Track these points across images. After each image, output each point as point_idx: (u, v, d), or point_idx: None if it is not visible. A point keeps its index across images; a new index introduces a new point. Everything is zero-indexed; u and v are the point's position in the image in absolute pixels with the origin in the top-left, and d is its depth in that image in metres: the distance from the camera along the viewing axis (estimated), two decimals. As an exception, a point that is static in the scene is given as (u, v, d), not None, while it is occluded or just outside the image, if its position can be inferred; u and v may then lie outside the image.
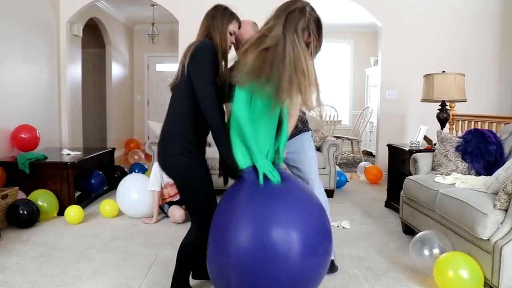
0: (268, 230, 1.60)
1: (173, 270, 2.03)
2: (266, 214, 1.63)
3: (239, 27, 2.13)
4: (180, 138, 1.91)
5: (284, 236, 1.60)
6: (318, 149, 4.44)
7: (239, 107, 1.80)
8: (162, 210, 3.53)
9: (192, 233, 1.99)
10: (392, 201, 3.87)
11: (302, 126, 2.61)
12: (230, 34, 2.07)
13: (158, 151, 1.98)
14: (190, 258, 2.01)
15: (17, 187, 3.43)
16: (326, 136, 4.64)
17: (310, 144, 2.57)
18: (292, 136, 2.53)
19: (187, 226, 3.32)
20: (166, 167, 1.96)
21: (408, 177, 3.10)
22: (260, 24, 2.09)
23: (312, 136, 2.70)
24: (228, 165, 1.96)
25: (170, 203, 3.52)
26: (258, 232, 1.60)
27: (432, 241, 2.34)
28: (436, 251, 2.30)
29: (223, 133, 1.92)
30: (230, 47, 2.08)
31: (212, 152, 4.37)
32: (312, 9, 1.88)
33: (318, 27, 1.85)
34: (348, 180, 5.05)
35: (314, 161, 2.53)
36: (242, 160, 1.88)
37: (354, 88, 8.81)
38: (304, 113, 2.69)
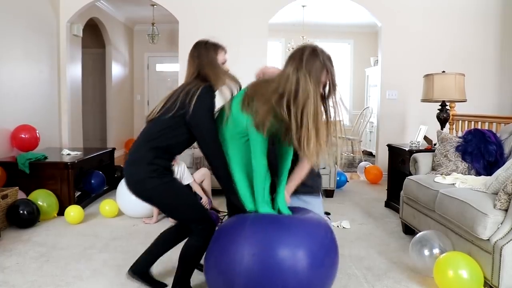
0: (274, 248, 1.65)
1: (175, 271, 2.03)
2: (271, 234, 1.69)
3: (226, 52, 2.13)
4: (148, 163, 1.88)
5: (290, 252, 1.65)
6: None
7: (260, 154, 1.80)
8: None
9: (194, 237, 1.98)
10: (392, 201, 3.87)
11: (311, 186, 2.46)
12: (222, 63, 2.07)
13: (126, 177, 1.94)
14: (193, 261, 2.01)
15: (17, 187, 3.43)
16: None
17: (318, 210, 2.37)
18: (296, 191, 2.40)
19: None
20: (138, 193, 1.93)
21: (408, 177, 3.10)
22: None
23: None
24: (235, 206, 1.99)
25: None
26: (264, 252, 1.65)
27: (432, 241, 2.34)
28: (436, 251, 2.30)
29: (231, 179, 1.94)
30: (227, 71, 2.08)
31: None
32: (322, 49, 1.80)
33: (332, 64, 1.78)
34: (348, 180, 5.05)
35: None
36: (250, 204, 1.89)
37: (354, 88, 8.81)
38: (319, 176, 2.57)
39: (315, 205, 2.42)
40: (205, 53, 2.02)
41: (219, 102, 2.09)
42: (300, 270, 1.64)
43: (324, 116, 1.77)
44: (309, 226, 1.79)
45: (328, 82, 1.77)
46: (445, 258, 2.14)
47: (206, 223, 1.95)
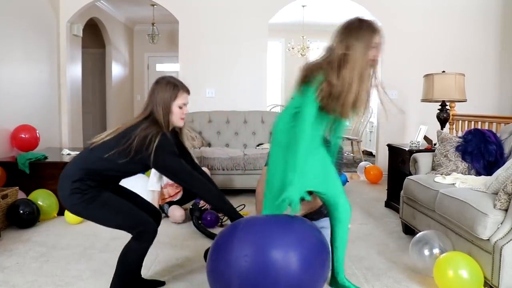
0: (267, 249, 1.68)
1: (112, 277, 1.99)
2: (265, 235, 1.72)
3: (189, 94, 2.04)
4: (73, 181, 1.88)
5: (282, 253, 1.68)
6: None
7: (308, 122, 1.81)
8: (162, 210, 3.53)
9: (131, 241, 1.95)
10: (392, 201, 3.87)
11: (323, 212, 2.54)
12: (180, 107, 1.98)
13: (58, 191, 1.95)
14: (130, 265, 1.96)
15: (17, 187, 3.43)
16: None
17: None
18: (312, 218, 2.45)
19: (187, 226, 3.34)
20: (67, 208, 1.94)
21: (408, 177, 3.10)
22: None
23: None
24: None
25: (170, 203, 3.52)
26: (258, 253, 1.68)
27: (432, 241, 2.34)
28: (436, 251, 2.30)
29: (220, 199, 2.01)
30: (183, 118, 2.01)
31: (211, 152, 4.39)
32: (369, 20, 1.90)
33: (374, 33, 1.88)
34: (348, 180, 5.05)
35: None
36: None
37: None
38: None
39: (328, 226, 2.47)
40: (162, 93, 1.95)
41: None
42: (290, 271, 1.66)
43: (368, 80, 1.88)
44: (299, 228, 1.82)
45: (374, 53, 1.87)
46: (445, 258, 2.14)
47: (141, 227, 1.91)
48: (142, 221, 1.93)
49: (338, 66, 1.80)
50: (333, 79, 1.78)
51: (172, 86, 1.96)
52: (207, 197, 2.03)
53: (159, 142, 1.85)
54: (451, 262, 2.09)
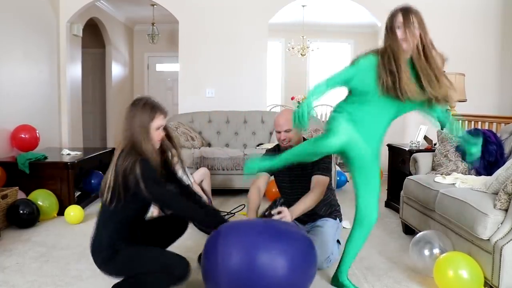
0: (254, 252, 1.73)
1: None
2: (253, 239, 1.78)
3: (166, 116, 1.97)
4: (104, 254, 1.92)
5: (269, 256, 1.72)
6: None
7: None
8: (162, 210, 3.53)
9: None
10: (392, 201, 3.87)
11: (325, 211, 2.60)
12: (158, 128, 1.92)
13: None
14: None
15: (17, 187, 3.43)
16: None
17: (331, 235, 2.52)
18: (305, 222, 2.54)
19: (188, 226, 3.32)
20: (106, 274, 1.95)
21: (408, 177, 3.10)
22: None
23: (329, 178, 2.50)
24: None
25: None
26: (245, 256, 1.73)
27: (432, 241, 2.34)
28: (436, 251, 2.30)
29: (208, 217, 1.98)
30: (160, 140, 1.96)
31: (211, 152, 4.38)
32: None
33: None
34: (348, 180, 5.04)
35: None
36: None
37: (354, 88, 8.81)
38: (335, 197, 2.68)
39: (326, 227, 2.53)
40: (140, 116, 1.87)
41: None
42: (276, 272, 1.71)
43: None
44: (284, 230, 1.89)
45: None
46: (445, 258, 2.14)
47: (171, 268, 1.85)
48: (173, 265, 1.86)
49: None
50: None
51: (150, 107, 1.89)
52: (198, 217, 2.02)
53: (141, 170, 1.79)
54: (451, 262, 2.09)
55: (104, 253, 1.90)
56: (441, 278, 2.11)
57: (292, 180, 2.58)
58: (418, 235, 2.45)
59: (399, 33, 1.86)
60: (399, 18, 1.87)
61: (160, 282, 1.84)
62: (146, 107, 1.88)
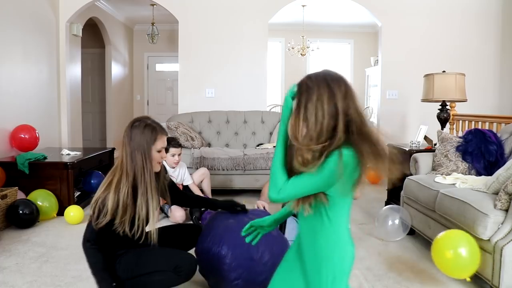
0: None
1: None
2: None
3: (167, 135, 1.87)
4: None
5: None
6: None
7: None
8: (162, 210, 3.53)
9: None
10: (392, 201, 3.86)
11: None
12: (159, 151, 1.82)
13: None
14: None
15: (17, 187, 3.42)
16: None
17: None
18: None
19: (187, 226, 3.32)
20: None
21: (408, 177, 3.09)
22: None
23: None
24: None
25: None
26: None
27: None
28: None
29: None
30: (160, 163, 1.87)
31: (211, 152, 4.38)
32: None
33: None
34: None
35: None
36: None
37: (354, 88, 8.80)
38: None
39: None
40: (139, 138, 1.76)
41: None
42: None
43: None
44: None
45: None
46: (444, 237, 2.16)
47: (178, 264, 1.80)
48: (182, 263, 1.82)
49: None
50: None
51: (150, 130, 1.78)
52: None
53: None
54: (449, 242, 2.11)
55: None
56: (440, 259, 2.13)
57: None
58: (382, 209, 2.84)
59: None
60: None
61: (168, 280, 1.81)
62: (147, 128, 1.78)
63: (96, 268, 1.82)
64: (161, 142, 1.81)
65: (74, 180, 3.72)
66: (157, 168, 1.85)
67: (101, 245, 1.79)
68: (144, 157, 1.75)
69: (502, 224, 2.05)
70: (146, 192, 1.76)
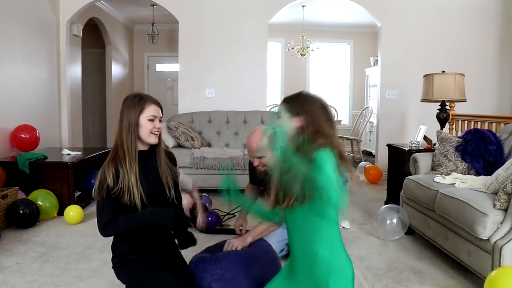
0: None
1: None
2: None
3: (159, 106, 1.79)
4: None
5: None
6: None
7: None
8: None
9: None
10: (392, 201, 3.87)
11: None
12: (151, 120, 1.75)
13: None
14: None
15: (17, 187, 3.43)
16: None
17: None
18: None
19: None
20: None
21: (408, 177, 3.10)
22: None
23: None
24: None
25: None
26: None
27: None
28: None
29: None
30: (155, 134, 1.77)
31: (211, 152, 4.38)
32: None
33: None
34: (348, 180, 5.04)
35: None
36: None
37: (354, 88, 8.81)
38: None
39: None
40: (128, 111, 1.75)
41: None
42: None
43: None
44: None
45: None
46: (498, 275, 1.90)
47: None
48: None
49: None
50: None
51: (137, 99, 1.75)
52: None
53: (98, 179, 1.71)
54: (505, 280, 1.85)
55: (116, 259, 1.86)
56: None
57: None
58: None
59: None
60: None
61: None
62: (134, 99, 1.75)
63: (131, 220, 1.72)
64: (151, 110, 1.74)
65: (75, 180, 3.73)
66: (151, 140, 1.77)
67: (114, 216, 1.73)
68: (132, 128, 1.73)
69: (501, 224, 2.06)
70: (129, 160, 1.74)
